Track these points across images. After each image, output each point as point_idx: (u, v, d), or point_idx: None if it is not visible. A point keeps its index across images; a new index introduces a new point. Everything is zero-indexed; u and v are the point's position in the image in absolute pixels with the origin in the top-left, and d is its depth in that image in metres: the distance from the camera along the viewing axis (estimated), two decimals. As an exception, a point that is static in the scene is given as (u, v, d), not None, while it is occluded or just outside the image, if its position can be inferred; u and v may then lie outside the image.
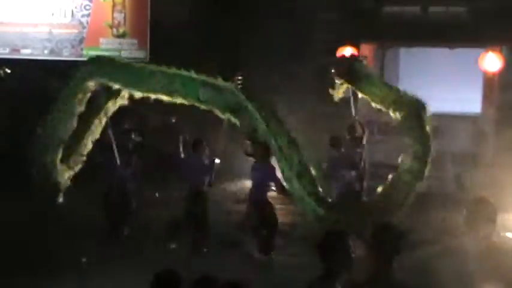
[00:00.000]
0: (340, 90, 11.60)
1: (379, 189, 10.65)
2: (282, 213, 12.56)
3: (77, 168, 12.24)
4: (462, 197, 13.86)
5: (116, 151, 11.83)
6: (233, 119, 10.90)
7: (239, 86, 11.23)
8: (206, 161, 11.56)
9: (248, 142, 11.42)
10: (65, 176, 12.08)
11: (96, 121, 12.02)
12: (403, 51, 17.35)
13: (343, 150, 11.89)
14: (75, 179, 12.31)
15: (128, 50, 17.91)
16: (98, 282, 9.57)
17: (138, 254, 10.90)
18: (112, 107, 11.99)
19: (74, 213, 12.26)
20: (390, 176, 10.65)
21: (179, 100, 11.17)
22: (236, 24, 18.19)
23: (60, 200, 12.06)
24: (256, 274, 9.67)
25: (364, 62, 12.22)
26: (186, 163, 11.74)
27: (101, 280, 9.60)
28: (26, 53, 17.07)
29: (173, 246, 11.27)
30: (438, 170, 14.54)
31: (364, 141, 11.76)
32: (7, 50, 16.99)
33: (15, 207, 12.64)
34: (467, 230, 5.07)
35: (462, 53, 15.77)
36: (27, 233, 11.34)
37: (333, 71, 11.57)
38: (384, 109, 11.11)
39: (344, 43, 16.40)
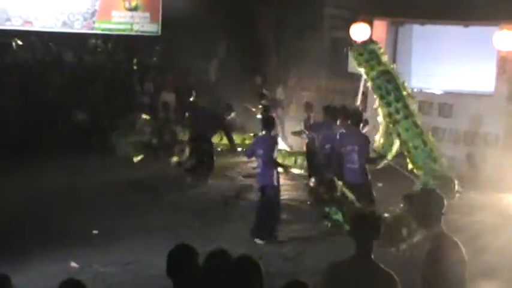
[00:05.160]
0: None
1: None
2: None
3: None
4: (473, 176, 13.89)
5: None
6: None
7: None
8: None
9: None
10: None
11: None
12: (416, 28, 17.22)
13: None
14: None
15: (140, 23, 17.86)
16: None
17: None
18: None
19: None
20: None
21: None
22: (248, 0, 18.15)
23: None
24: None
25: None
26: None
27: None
28: (38, 25, 17.02)
29: None
30: (449, 149, 14.54)
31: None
32: (20, 22, 16.94)
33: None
34: (415, 224, 5.01)
35: (476, 30, 15.63)
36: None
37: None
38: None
39: (357, 19, 16.29)
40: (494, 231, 10.87)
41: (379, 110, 11.40)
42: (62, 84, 17.98)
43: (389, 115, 11.17)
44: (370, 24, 16.32)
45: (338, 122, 11.97)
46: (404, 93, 11.28)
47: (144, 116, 15.81)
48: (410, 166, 11.00)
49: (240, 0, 18.50)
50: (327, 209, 9.99)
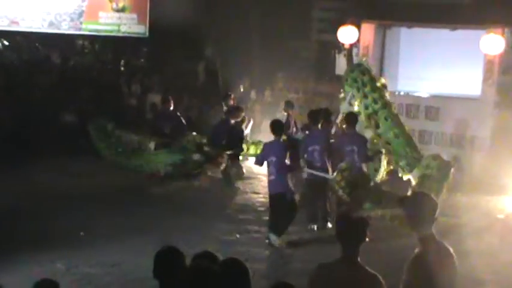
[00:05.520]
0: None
1: None
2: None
3: None
4: (460, 179, 13.95)
5: None
6: None
7: None
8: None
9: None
10: None
11: None
12: (403, 31, 17.27)
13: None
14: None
15: (127, 24, 17.78)
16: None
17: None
18: None
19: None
20: None
21: None
22: (237, 1, 18.14)
23: None
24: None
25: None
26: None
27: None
28: (25, 25, 16.92)
29: None
30: (436, 152, 14.59)
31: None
32: (6, 22, 16.84)
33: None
34: (408, 227, 5.00)
35: (463, 34, 15.70)
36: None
37: None
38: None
39: (345, 22, 16.34)
40: (480, 234, 10.93)
41: (356, 106, 11.50)
42: (49, 85, 17.89)
43: (366, 107, 11.21)
44: (358, 27, 16.37)
45: (320, 125, 11.99)
46: (378, 84, 11.35)
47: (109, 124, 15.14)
48: (390, 161, 11.11)
49: (228, 2, 18.49)
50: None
